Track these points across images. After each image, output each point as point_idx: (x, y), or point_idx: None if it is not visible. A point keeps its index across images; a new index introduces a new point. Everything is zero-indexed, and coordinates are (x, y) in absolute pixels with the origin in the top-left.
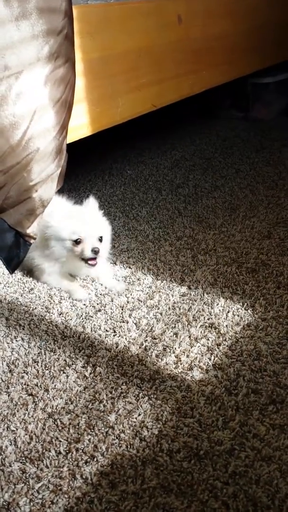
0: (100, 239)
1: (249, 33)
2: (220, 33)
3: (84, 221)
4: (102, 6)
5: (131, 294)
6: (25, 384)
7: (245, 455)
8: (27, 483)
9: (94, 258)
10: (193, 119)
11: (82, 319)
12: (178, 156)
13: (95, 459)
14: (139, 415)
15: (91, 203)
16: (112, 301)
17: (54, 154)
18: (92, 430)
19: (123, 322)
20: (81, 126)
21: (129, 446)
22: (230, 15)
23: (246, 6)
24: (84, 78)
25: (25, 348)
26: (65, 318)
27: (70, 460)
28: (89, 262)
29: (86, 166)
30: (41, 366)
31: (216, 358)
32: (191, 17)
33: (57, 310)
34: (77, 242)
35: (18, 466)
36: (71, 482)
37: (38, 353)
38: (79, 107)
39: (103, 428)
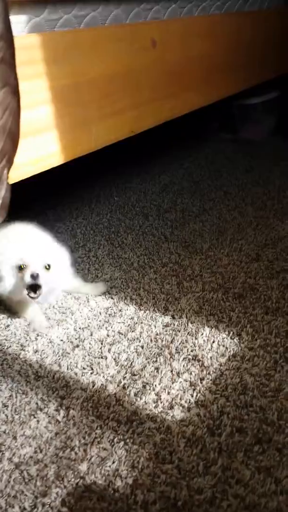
0: (48, 267)
1: (230, 54)
2: (199, 54)
3: (28, 243)
4: (70, 32)
5: (111, 327)
6: None
7: (227, 504)
8: None
9: (35, 290)
10: (182, 143)
11: (59, 356)
12: (167, 181)
13: None
14: (113, 462)
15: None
16: (91, 335)
17: None
18: (61, 481)
19: (102, 358)
20: (52, 155)
21: (100, 499)
22: (209, 36)
23: (228, 27)
24: (53, 106)
25: None
26: (40, 356)
27: None
28: (29, 293)
29: (73, 195)
30: (11, 410)
31: (199, 394)
32: (166, 39)
33: (33, 347)
34: (20, 268)
35: None
36: None
37: (9, 396)
38: (49, 135)
39: (73, 479)
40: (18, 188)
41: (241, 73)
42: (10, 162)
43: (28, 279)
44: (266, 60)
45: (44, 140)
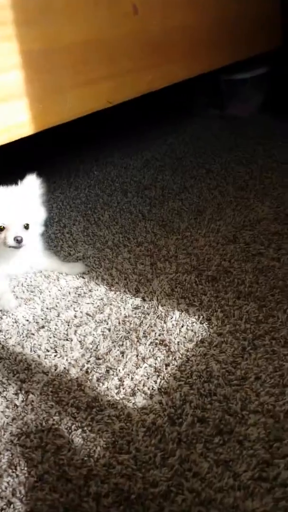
0: (26, 226)
1: (216, 26)
2: (182, 25)
3: (8, 205)
4: None
5: (79, 308)
6: None
7: (182, 499)
8: None
9: (19, 247)
10: (167, 118)
11: (23, 337)
12: (149, 156)
13: (11, 506)
14: (69, 451)
15: (27, 183)
16: (58, 315)
17: None
18: (14, 470)
19: (67, 340)
20: (21, 124)
21: (52, 489)
22: (193, 6)
23: None
24: (23, 71)
25: None
26: (4, 337)
27: None
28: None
29: (52, 168)
30: None
31: (162, 381)
32: (148, 7)
33: None
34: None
35: None
36: None
37: None
38: (19, 103)
39: (25, 468)
40: None
41: (227, 47)
42: None
43: (11, 242)
44: (255, 35)
45: (13, 109)
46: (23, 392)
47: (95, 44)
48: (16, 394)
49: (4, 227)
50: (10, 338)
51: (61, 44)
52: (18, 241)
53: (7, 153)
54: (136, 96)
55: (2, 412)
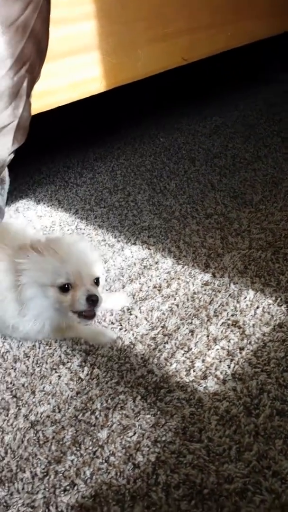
0: (96, 282)
1: None
2: None
3: (74, 258)
4: None
5: (145, 280)
6: (10, 383)
7: (260, 500)
8: None
9: (92, 311)
10: (238, 83)
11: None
12: (219, 123)
13: (75, 488)
14: (135, 434)
15: (79, 239)
16: (123, 287)
17: (6, 99)
18: (78, 448)
19: (131, 314)
20: (92, 80)
21: (118, 474)
22: None
23: None
24: (97, 22)
25: (18, 340)
26: None
27: (47, 485)
28: (85, 315)
29: (116, 133)
30: (32, 362)
31: (236, 366)
32: None
33: None
34: (65, 289)
35: None
36: None
37: (32, 345)
38: (89, 56)
39: (90, 447)
40: (55, 120)
41: None
42: (32, 73)
43: (83, 304)
44: None
45: (83, 62)
46: (88, 365)
47: None
48: (81, 366)
49: (70, 286)
50: None
51: None
52: (94, 301)
53: (70, 114)
54: (212, 54)
55: (66, 384)
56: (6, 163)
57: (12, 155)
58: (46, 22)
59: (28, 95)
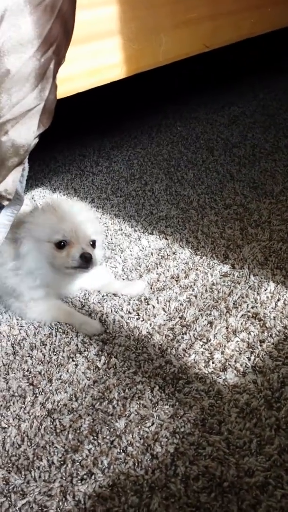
0: (93, 244)
1: None
2: None
3: (72, 218)
4: None
5: (163, 270)
6: (27, 371)
7: (282, 494)
8: (9, 498)
9: (86, 267)
10: (257, 72)
11: (102, 297)
12: (237, 112)
13: (93, 477)
14: (153, 424)
15: (80, 204)
16: (140, 277)
17: (33, 80)
18: (95, 437)
19: (149, 304)
20: (112, 65)
21: (136, 464)
22: None
23: None
24: (118, 6)
25: (35, 327)
26: (84, 296)
27: (64, 474)
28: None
29: (133, 121)
30: (49, 350)
31: (257, 359)
32: None
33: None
34: (60, 245)
35: (2, 474)
36: (60, 503)
37: (49, 333)
38: (110, 41)
39: (108, 436)
40: (71, 107)
41: None
42: (59, 55)
43: (76, 260)
44: None
45: (104, 48)
46: (105, 354)
47: None
48: (98, 355)
49: (66, 243)
50: (90, 295)
51: None
52: (87, 258)
53: (87, 101)
54: (235, 41)
55: (83, 373)
56: (31, 147)
57: (37, 139)
58: (73, 2)
59: (54, 77)
